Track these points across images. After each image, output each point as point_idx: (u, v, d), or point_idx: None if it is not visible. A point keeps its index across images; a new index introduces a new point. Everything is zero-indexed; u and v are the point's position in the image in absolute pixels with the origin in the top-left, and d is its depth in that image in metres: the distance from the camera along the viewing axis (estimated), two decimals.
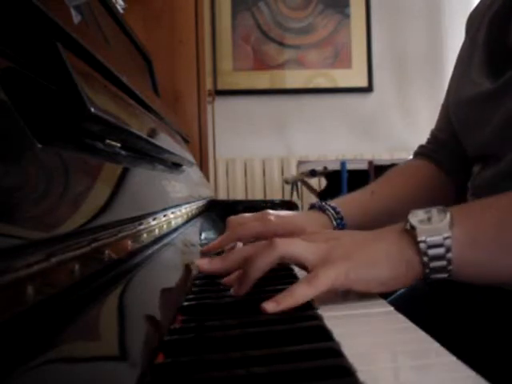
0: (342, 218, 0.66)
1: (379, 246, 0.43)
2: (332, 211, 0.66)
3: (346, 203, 0.69)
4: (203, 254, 0.61)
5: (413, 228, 0.42)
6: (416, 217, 0.43)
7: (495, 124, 0.61)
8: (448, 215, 0.42)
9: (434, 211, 0.43)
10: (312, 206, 0.70)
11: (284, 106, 2.88)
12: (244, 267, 0.45)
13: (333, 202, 0.68)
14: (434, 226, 0.42)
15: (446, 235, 0.41)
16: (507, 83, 0.60)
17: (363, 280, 0.42)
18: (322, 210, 0.67)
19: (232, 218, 0.67)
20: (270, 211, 0.63)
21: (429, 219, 0.42)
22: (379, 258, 0.42)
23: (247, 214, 0.67)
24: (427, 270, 0.42)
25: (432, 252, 0.41)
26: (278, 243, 0.43)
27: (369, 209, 0.71)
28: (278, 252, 0.43)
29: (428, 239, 0.41)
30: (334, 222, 0.66)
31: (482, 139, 0.65)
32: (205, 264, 0.49)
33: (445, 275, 0.42)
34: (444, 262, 0.41)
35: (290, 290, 0.40)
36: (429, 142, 0.84)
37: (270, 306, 0.38)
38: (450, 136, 0.76)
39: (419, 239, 0.41)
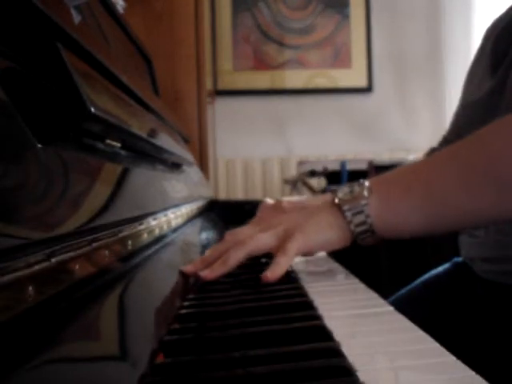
0: None
1: (320, 217, 0.53)
2: None
3: None
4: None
5: (338, 201, 0.52)
6: (341, 191, 0.52)
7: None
8: (366, 185, 0.51)
9: (355, 184, 0.52)
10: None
11: (284, 106, 2.88)
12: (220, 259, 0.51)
13: None
14: (354, 196, 0.51)
15: (363, 203, 0.50)
16: (504, 75, 0.61)
17: (318, 244, 0.52)
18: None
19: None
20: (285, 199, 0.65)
21: (351, 192, 0.52)
22: (323, 226, 0.52)
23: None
24: (356, 234, 0.51)
25: (356, 220, 0.51)
26: (247, 241, 0.52)
27: None
28: (245, 250, 0.51)
29: (351, 209, 0.51)
30: None
31: None
32: (207, 272, 0.51)
33: (370, 235, 0.51)
34: (367, 226, 0.50)
35: (276, 262, 0.49)
36: (440, 144, 0.86)
37: (269, 276, 0.47)
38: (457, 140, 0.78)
39: (343, 208, 0.51)
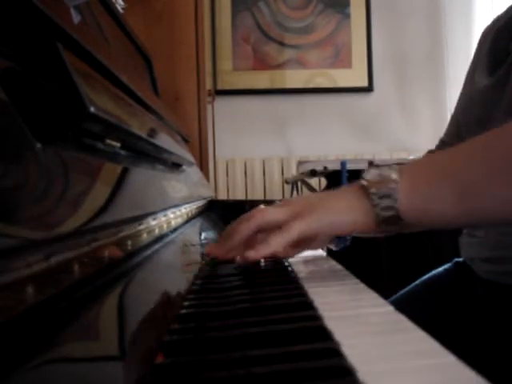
0: None
1: (340, 199, 0.50)
2: None
3: None
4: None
5: (366, 182, 0.49)
6: (369, 173, 0.49)
7: (497, 119, 0.62)
8: (395, 170, 0.49)
9: (385, 167, 0.49)
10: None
11: (284, 106, 2.88)
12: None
13: None
14: (383, 179, 0.48)
15: (392, 186, 0.47)
16: (503, 75, 0.61)
17: (326, 225, 0.49)
18: None
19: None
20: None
21: (379, 175, 0.49)
22: (340, 207, 0.49)
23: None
24: (381, 218, 0.48)
25: (383, 203, 0.47)
26: (256, 215, 0.51)
27: None
28: (255, 221, 0.50)
29: (378, 192, 0.48)
30: None
31: None
32: (251, 253, 0.50)
33: (395, 222, 0.48)
34: (393, 212, 0.47)
35: (267, 240, 0.48)
36: (437, 147, 0.86)
37: (251, 254, 0.47)
38: (457, 141, 0.78)
39: (370, 191, 0.48)
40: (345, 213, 0.49)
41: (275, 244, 0.48)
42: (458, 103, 0.81)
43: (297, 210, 0.50)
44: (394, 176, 0.48)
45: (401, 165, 0.50)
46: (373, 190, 0.48)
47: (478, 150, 0.49)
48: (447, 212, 0.48)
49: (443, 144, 0.85)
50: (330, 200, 0.50)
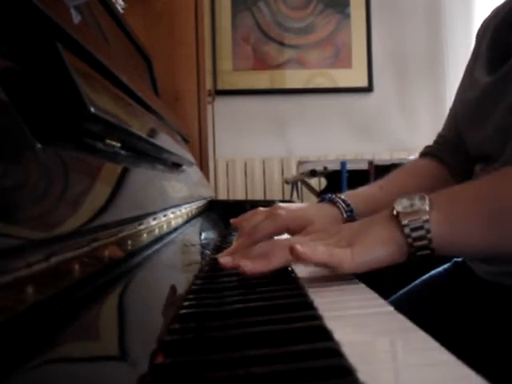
0: (352, 211, 0.67)
1: (374, 232, 0.50)
2: (342, 204, 0.68)
3: (355, 196, 0.70)
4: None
5: (398, 214, 0.49)
6: (400, 204, 0.50)
7: (496, 118, 0.62)
8: (427, 200, 0.49)
9: (416, 198, 0.50)
10: (322, 199, 0.71)
11: (284, 105, 2.88)
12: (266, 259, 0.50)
13: (342, 195, 0.69)
14: (415, 210, 0.48)
15: (425, 218, 0.48)
16: (505, 75, 0.61)
17: (366, 262, 0.48)
18: (333, 202, 0.68)
19: (244, 223, 0.68)
20: (281, 205, 0.66)
21: (411, 205, 0.49)
22: (375, 243, 0.49)
23: (258, 212, 0.69)
24: (413, 249, 0.48)
25: (415, 234, 0.48)
26: (296, 247, 0.48)
27: (378, 202, 0.72)
28: (298, 258, 0.48)
29: (410, 223, 0.48)
30: (345, 215, 0.67)
31: (484, 136, 0.65)
32: (248, 266, 0.49)
33: (428, 252, 0.48)
34: (426, 242, 0.48)
35: (313, 247, 0.48)
36: (435, 142, 0.86)
37: (304, 252, 0.46)
38: (455, 136, 0.78)
39: (403, 223, 0.48)
40: (380, 246, 0.49)
41: (316, 257, 0.47)
42: (456, 96, 0.80)
43: (336, 245, 0.49)
44: (426, 207, 0.48)
45: (432, 194, 0.51)
46: (405, 222, 0.48)
47: (505, 180, 0.50)
48: (477, 243, 0.49)
49: (442, 141, 0.84)
50: (366, 233, 0.50)
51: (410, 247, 0.48)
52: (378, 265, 0.49)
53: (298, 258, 0.48)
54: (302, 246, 0.48)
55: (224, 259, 0.51)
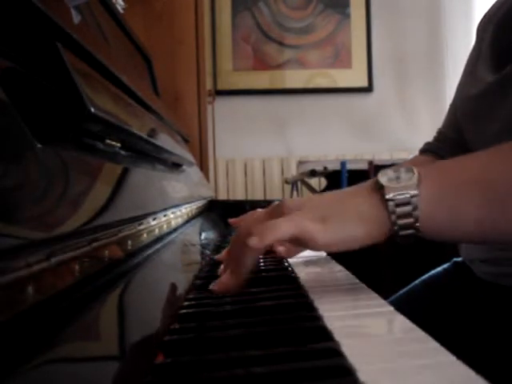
0: None
1: (352, 206, 0.44)
2: None
3: None
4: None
5: (381, 187, 0.43)
6: (385, 175, 0.43)
7: (503, 119, 0.61)
8: (415, 174, 0.43)
9: (403, 170, 0.43)
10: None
11: (284, 105, 2.88)
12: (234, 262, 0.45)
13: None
14: (402, 185, 0.42)
15: (412, 193, 0.42)
16: (511, 73, 0.60)
17: (342, 239, 0.43)
18: None
19: (242, 223, 0.61)
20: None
21: (397, 178, 0.43)
22: (351, 217, 0.43)
23: (257, 213, 0.58)
24: (396, 227, 0.42)
25: (400, 210, 0.42)
26: (262, 234, 0.42)
27: None
28: (264, 242, 0.42)
29: (395, 197, 0.42)
30: None
31: (491, 135, 0.65)
32: (222, 285, 0.45)
33: (412, 231, 0.42)
34: (411, 220, 0.42)
35: (274, 224, 0.42)
36: (435, 139, 0.86)
37: (254, 240, 0.41)
38: (455, 133, 0.78)
39: (387, 197, 0.42)
40: (355, 223, 0.43)
41: (281, 232, 0.42)
42: (456, 93, 0.79)
43: (305, 218, 0.43)
44: (414, 181, 0.43)
45: (419, 167, 0.45)
46: (390, 196, 0.42)
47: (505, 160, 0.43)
48: (469, 227, 0.43)
49: (442, 138, 0.84)
50: (342, 205, 0.44)
51: (392, 225, 0.42)
52: (356, 244, 0.43)
53: (258, 248, 0.43)
54: (256, 232, 0.42)
55: (214, 287, 0.46)
